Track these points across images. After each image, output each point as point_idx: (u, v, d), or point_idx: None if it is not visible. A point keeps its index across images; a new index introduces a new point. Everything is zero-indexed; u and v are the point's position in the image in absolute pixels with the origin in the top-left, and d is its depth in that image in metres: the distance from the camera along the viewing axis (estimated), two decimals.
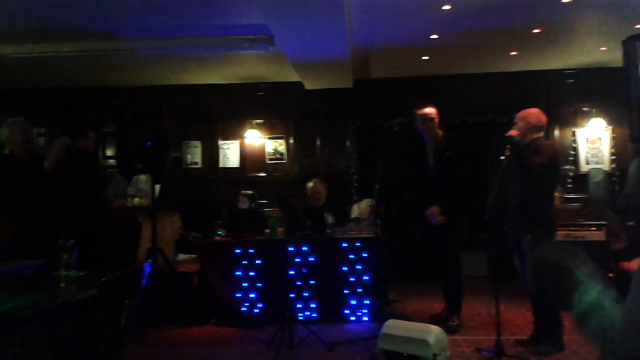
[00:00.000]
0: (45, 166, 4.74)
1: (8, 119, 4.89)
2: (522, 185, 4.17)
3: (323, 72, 6.77)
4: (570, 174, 7.47)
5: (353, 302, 5.20)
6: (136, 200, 6.26)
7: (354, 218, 6.42)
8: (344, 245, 5.19)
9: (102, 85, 7.92)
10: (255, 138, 8.12)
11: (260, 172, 8.12)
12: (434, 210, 4.87)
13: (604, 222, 5.75)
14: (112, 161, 8.11)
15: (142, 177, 6.33)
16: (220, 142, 8.20)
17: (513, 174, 4.17)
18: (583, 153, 7.59)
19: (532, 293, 4.27)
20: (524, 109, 4.42)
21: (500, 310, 4.00)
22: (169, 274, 5.16)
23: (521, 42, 6.38)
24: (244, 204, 6.37)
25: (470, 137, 7.29)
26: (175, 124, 7.52)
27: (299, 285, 5.19)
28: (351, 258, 5.17)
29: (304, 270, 5.20)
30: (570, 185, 7.39)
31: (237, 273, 5.34)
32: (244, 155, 8.15)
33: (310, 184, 6.20)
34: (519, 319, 5.15)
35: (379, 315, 4.89)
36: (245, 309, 5.35)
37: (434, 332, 3.70)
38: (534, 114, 4.34)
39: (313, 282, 5.23)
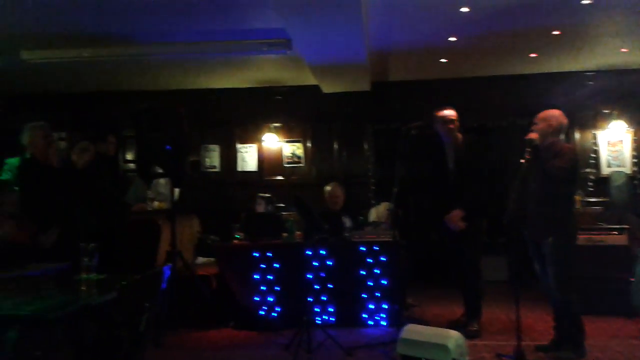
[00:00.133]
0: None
1: (29, 123, 4.96)
2: (543, 188, 4.12)
3: (341, 76, 6.77)
4: (591, 177, 7.38)
5: (371, 306, 5.18)
6: (156, 203, 6.32)
7: (372, 222, 6.39)
8: (362, 249, 5.17)
9: (122, 89, 8.01)
10: (273, 142, 8.14)
11: (277, 175, 8.13)
12: (455, 215, 4.82)
13: (626, 226, 5.66)
14: (131, 165, 8.19)
15: (162, 180, 6.38)
16: (238, 145, 8.23)
17: (533, 177, 4.13)
18: (604, 156, 7.50)
19: (553, 298, 4.22)
20: (548, 110, 4.36)
21: (520, 315, 3.95)
22: (188, 277, 5.19)
23: (541, 44, 6.32)
24: (260, 207, 6.38)
25: (489, 140, 7.25)
26: (193, 128, 7.57)
27: (316, 289, 5.19)
28: (369, 262, 5.15)
29: (322, 274, 5.20)
30: (591, 189, 7.29)
31: (255, 276, 5.35)
32: (261, 159, 8.18)
33: (328, 188, 6.20)
34: (540, 324, 5.09)
35: (398, 319, 4.86)
36: (263, 313, 5.36)
37: (453, 337, 3.66)
38: (556, 116, 4.28)
39: (331, 286, 5.22)
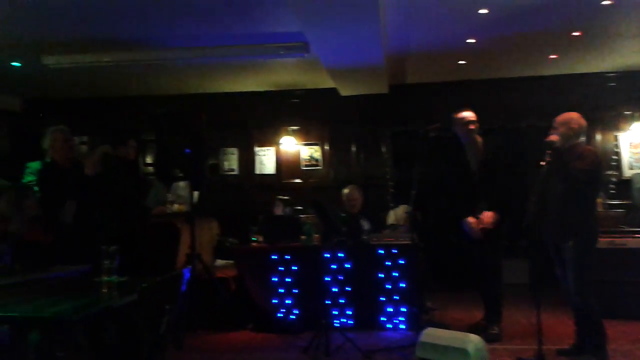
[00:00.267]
0: (86, 173, 4.86)
1: (50, 128, 5.03)
2: (564, 191, 4.07)
3: (358, 78, 6.77)
4: (613, 179, 7.28)
5: (390, 309, 5.16)
6: (175, 206, 6.37)
7: (390, 224, 6.39)
8: (380, 252, 5.16)
9: (142, 94, 8.09)
10: (291, 145, 8.17)
11: (295, 178, 8.15)
12: (488, 216, 4.70)
13: None
14: (150, 168, 8.26)
15: (181, 183, 6.43)
16: (257, 148, 8.27)
17: (554, 180, 4.08)
18: (626, 158, 7.39)
19: (574, 301, 4.16)
20: (564, 113, 4.32)
21: (541, 319, 3.91)
22: (207, 279, 5.22)
23: (561, 45, 6.26)
24: (279, 209, 6.41)
25: (509, 142, 7.18)
26: (212, 132, 7.63)
27: (335, 292, 5.18)
28: (388, 265, 5.14)
29: (340, 277, 5.20)
30: (612, 191, 7.19)
31: (273, 279, 5.37)
32: (279, 162, 8.20)
33: (345, 191, 6.19)
34: (561, 328, 5.02)
35: (417, 323, 4.84)
36: (281, 315, 5.37)
37: (473, 341, 3.63)
38: (575, 118, 4.23)
39: (349, 289, 5.21)
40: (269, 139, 8.25)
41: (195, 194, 5.54)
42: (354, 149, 8.10)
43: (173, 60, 6.29)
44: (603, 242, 4.99)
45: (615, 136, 7.46)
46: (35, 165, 5.17)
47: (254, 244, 5.62)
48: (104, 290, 3.08)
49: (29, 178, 5.23)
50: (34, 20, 5.14)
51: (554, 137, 4.11)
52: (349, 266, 5.20)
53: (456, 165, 5.04)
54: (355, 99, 7.77)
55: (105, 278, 3.21)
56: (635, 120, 7.36)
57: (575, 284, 4.07)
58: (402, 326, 5.14)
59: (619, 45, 6.30)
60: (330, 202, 6.17)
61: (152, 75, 7.15)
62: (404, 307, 5.13)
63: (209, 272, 5.34)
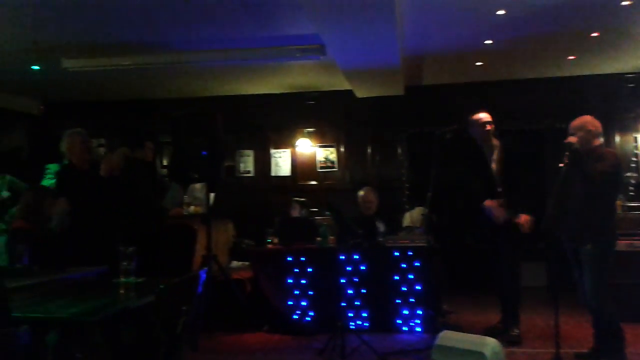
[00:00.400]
0: (101, 174, 4.91)
1: (67, 131, 5.10)
2: (583, 193, 4.02)
3: (374, 80, 6.75)
4: (633, 181, 7.17)
5: (405, 312, 5.14)
6: (192, 208, 6.41)
7: (406, 227, 6.37)
8: (396, 254, 5.14)
9: (160, 97, 8.17)
10: (307, 146, 8.17)
11: (311, 180, 8.16)
12: (526, 220, 4.62)
13: None
14: (164, 171, 8.30)
15: (198, 185, 6.47)
16: (272, 150, 8.29)
17: (573, 182, 4.04)
18: None
19: (592, 304, 4.11)
20: (582, 115, 4.28)
21: (559, 322, 3.88)
22: (222, 281, 5.24)
23: (579, 46, 6.19)
24: (295, 211, 6.42)
25: (527, 144, 7.13)
26: (228, 134, 7.66)
27: (350, 294, 5.18)
28: (403, 267, 5.12)
29: (356, 279, 5.19)
30: (632, 193, 7.09)
31: (288, 281, 5.37)
32: (295, 164, 8.21)
33: (361, 193, 6.18)
34: (579, 331, 4.97)
35: (433, 326, 4.82)
36: (297, 317, 5.37)
37: (490, 345, 3.60)
38: (590, 120, 4.20)
39: (364, 291, 5.20)
40: (285, 141, 8.27)
41: (212, 195, 5.57)
42: (369, 150, 8.08)
43: (190, 64, 6.33)
44: (622, 244, 4.93)
45: (635, 137, 7.36)
46: (54, 167, 5.24)
47: (270, 245, 5.64)
48: (121, 291, 3.11)
49: (49, 182, 5.30)
50: (54, 25, 5.20)
51: (572, 139, 4.07)
52: (364, 268, 5.20)
53: (476, 167, 4.99)
54: (371, 100, 7.75)
55: (123, 279, 3.24)
56: None
57: (593, 287, 4.02)
58: (418, 329, 5.13)
59: (637, 46, 6.21)
60: (346, 204, 6.17)
61: (169, 78, 7.21)
62: (420, 310, 5.11)
63: (224, 274, 5.36)
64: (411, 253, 5.11)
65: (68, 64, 6.21)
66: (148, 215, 5.01)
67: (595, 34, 5.75)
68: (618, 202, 5.97)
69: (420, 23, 5.35)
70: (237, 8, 4.86)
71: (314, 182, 8.14)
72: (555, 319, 3.87)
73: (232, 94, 8.15)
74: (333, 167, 8.13)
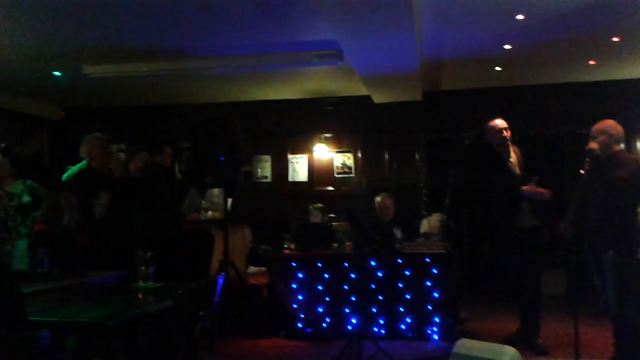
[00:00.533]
0: (114, 175, 4.96)
1: (86, 136, 5.15)
2: (604, 200, 3.97)
3: (392, 86, 6.74)
4: None
5: (423, 319, 5.10)
6: (209, 213, 6.43)
7: (424, 233, 6.32)
8: (413, 261, 5.11)
9: (178, 102, 8.22)
10: (324, 152, 8.17)
11: (328, 186, 8.15)
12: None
13: None
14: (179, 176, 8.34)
15: (216, 191, 6.50)
16: (290, 156, 8.30)
17: (594, 188, 3.99)
18: None
19: (614, 313, 4.05)
20: (603, 120, 4.23)
21: (579, 331, 3.82)
22: (239, 286, 5.25)
23: (600, 51, 6.12)
24: (317, 218, 6.41)
25: (547, 150, 7.05)
26: (246, 139, 7.68)
27: (367, 300, 5.15)
28: (420, 274, 5.08)
29: (372, 286, 5.16)
30: None
31: (304, 287, 5.36)
32: (312, 170, 8.21)
33: (378, 199, 6.16)
34: (599, 340, 4.89)
35: (450, 333, 4.78)
36: (312, 323, 5.35)
37: (509, 353, 3.55)
38: (612, 125, 4.15)
39: (381, 297, 5.17)
40: (302, 147, 8.27)
41: (229, 201, 5.59)
42: (387, 156, 8.05)
43: (209, 70, 6.37)
44: None
45: None
46: (74, 168, 5.29)
47: (286, 251, 5.64)
48: (140, 296, 3.13)
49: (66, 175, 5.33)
50: (74, 31, 5.27)
51: (593, 145, 4.03)
52: (381, 275, 5.17)
53: (499, 172, 4.91)
54: (388, 106, 7.73)
55: (141, 284, 3.26)
56: None
57: (615, 295, 3.96)
58: (435, 336, 5.08)
59: None
60: (363, 210, 6.14)
61: (187, 84, 7.26)
62: (437, 317, 5.07)
63: (241, 279, 5.37)
64: (429, 260, 5.07)
65: (89, 70, 6.29)
66: (166, 220, 5.03)
67: (616, 39, 5.68)
68: (639, 209, 5.89)
69: (438, 28, 5.33)
70: (255, 14, 4.89)
71: (331, 188, 8.13)
72: (575, 328, 3.81)
73: (250, 99, 8.19)
74: (350, 173, 8.12)
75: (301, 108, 8.20)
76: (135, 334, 3.09)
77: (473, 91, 7.68)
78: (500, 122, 4.86)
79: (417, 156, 7.92)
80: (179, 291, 2.66)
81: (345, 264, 5.20)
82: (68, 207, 4.33)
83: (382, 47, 5.17)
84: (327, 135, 8.19)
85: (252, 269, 6.37)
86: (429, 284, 5.06)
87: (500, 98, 7.43)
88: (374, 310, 5.18)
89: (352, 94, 7.85)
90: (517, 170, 4.82)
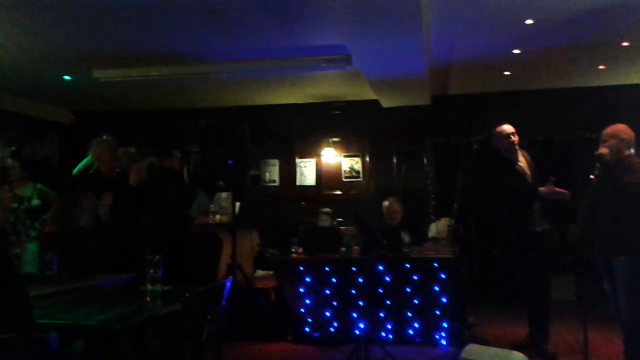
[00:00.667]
0: (130, 182, 4.97)
1: (94, 139, 5.18)
2: (614, 205, 3.94)
3: (400, 90, 6.74)
4: None
5: (430, 324, 5.07)
6: (217, 217, 6.44)
7: (432, 237, 6.30)
8: (421, 265, 5.09)
9: (187, 107, 8.26)
10: (332, 156, 8.17)
11: (336, 190, 8.15)
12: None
13: None
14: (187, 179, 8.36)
15: (224, 194, 6.51)
16: (298, 160, 8.31)
17: (604, 193, 3.96)
18: None
19: (624, 319, 4.01)
20: (612, 124, 4.20)
21: (588, 337, 3.79)
22: (247, 290, 5.25)
23: (609, 56, 6.10)
24: (325, 222, 6.41)
25: (556, 155, 7.01)
26: (254, 143, 7.69)
27: (374, 305, 5.13)
28: (429, 279, 5.06)
29: (380, 290, 5.14)
30: None
31: (311, 291, 5.35)
32: (320, 174, 8.21)
33: (386, 203, 6.15)
34: (609, 347, 4.85)
35: (459, 339, 4.75)
36: (319, 328, 5.34)
37: (517, 359, 3.54)
38: (624, 129, 4.12)
39: (389, 302, 5.15)
40: (310, 151, 8.29)
41: (237, 204, 5.60)
42: (395, 160, 8.05)
43: (217, 74, 6.40)
44: None
45: None
46: (81, 164, 5.33)
47: (294, 255, 5.63)
48: (147, 299, 3.13)
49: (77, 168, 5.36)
50: (85, 36, 5.31)
51: (604, 150, 3.99)
52: (388, 279, 5.15)
53: (509, 175, 4.89)
54: (396, 110, 7.72)
55: (149, 287, 3.26)
56: None
57: (626, 301, 3.92)
58: (443, 342, 5.05)
59: None
60: (371, 214, 6.14)
61: (196, 88, 7.30)
62: (445, 322, 5.04)
63: (249, 283, 5.36)
64: (437, 264, 5.05)
65: (99, 74, 6.34)
66: (175, 223, 5.05)
67: (625, 44, 5.66)
68: None
69: (447, 32, 5.33)
70: (264, 19, 4.91)
71: (338, 192, 8.13)
72: (584, 334, 3.79)
73: (258, 103, 8.21)
74: (358, 177, 8.12)
75: (309, 112, 8.21)
76: (143, 337, 3.09)
77: (482, 95, 7.67)
78: (507, 127, 4.84)
79: (425, 160, 7.91)
80: (187, 295, 2.66)
81: (353, 268, 5.19)
82: (88, 208, 4.36)
83: (390, 51, 5.17)
84: (335, 139, 8.20)
85: (260, 272, 6.37)
86: (437, 288, 5.04)
87: (509, 102, 7.41)
88: (382, 314, 5.16)
89: (360, 98, 7.86)
90: (528, 172, 4.80)
